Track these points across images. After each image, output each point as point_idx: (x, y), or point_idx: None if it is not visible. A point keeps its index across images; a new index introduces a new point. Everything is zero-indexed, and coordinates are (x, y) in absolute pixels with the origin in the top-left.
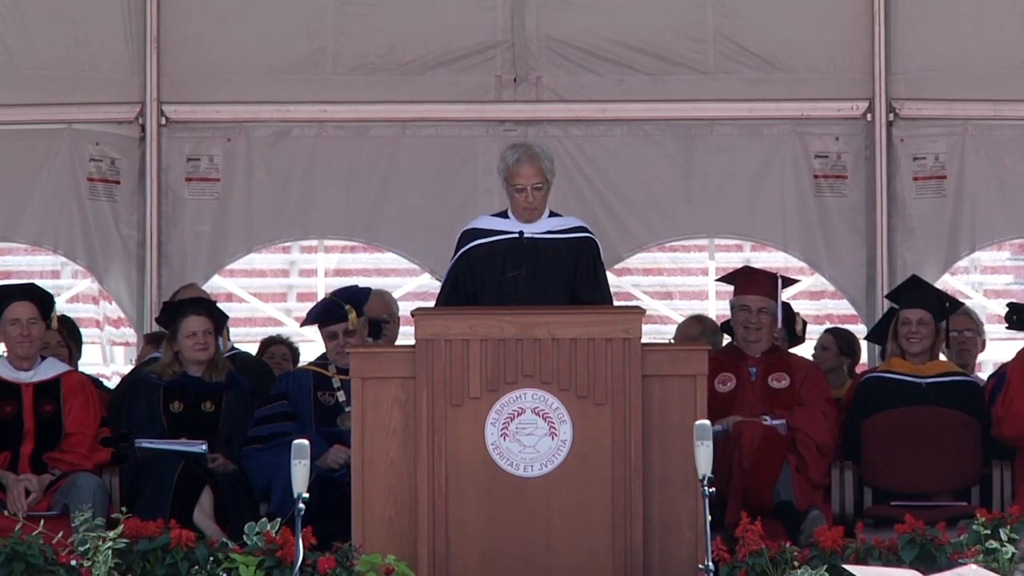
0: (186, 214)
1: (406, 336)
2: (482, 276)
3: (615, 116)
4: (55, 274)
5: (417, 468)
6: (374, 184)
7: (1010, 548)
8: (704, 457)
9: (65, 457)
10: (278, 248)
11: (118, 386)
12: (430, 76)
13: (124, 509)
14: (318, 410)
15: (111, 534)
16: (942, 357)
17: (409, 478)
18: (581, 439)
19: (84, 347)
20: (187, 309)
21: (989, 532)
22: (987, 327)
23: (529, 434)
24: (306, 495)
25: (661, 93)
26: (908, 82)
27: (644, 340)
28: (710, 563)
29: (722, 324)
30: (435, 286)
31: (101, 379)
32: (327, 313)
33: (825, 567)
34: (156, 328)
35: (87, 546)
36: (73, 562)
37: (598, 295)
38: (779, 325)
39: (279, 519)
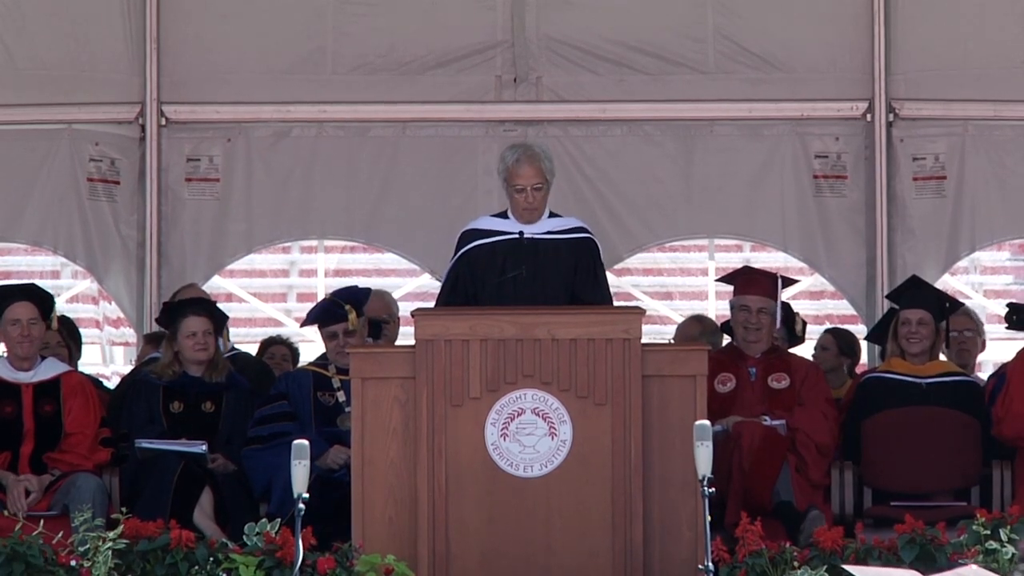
0: (186, 214)
1: (406, 336)
2: (482, 276)
3: (615, 116)
4: (55, 274)
5: (417, 468)
6: (374, 184)
7: (1010, 548)
8: (704, 457)
9: (65, 457)
10: (278, 248)
11: (118, 386)
12: (430, 76)
13: (124, 509)
14: (318, 410)
15: (111, 534)
16: (942, 357)
17: (409, 478)
18: (581, 439)
19: (84, 347)
20: (187, 309)
21: (989, 532)
22: (987, 327)
23: (529, 434)
24: (306, 495)
25: (661, 93)
26: (908, 82)
27: (644, 340)
28: (710, 563)
29: (722, 324)
30: (435, 286)
31: (101, 379)
32: (327, 313)
33: (825, 567)
34: (156, 328)
35: (87, 546)
36: (73, 562)
37: (598, 295)
38: (779, 325)
39: (279, 519)
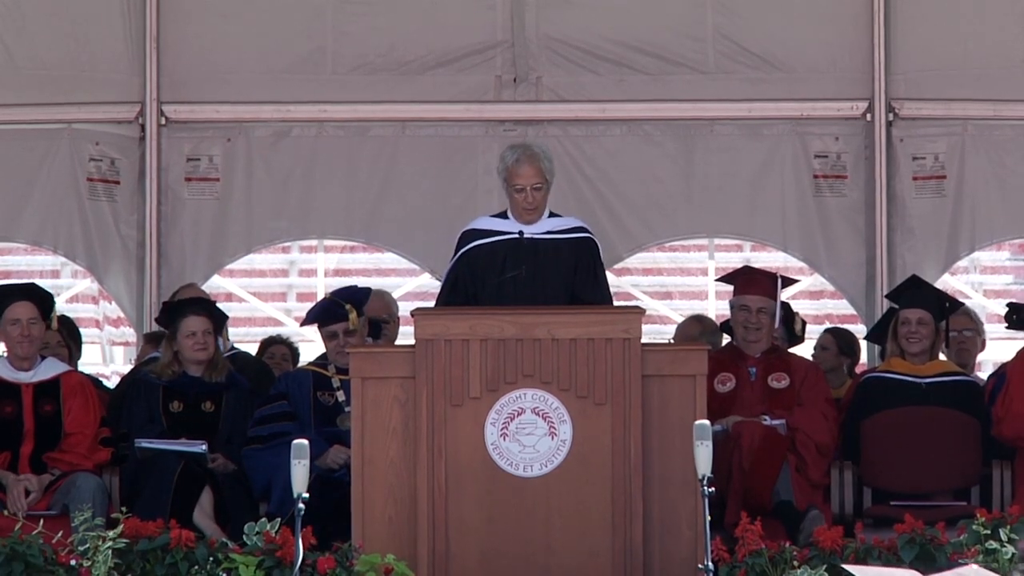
0: (186, 214)
1: (406, 336)
2: (482, 276)
3: (615, 116)
4: (55, 274)
5: (417, 468)
6: (374, 184)
7: (1010, 548)
8: (704, 457)
9: (65, 457)
10: (278, 248)
11: (118, 386)
12: (430, 76)
13: (124, 509)
14: (318, 410)
15: (111, 534)
16: (942, 357)
17: (409, 478)
18: (581, 439)
19: (84, 347)
20: (187, 309)
21: (989, 532)
22: (987, 327)
23: (529, 434)
24: (306, 495)
25: (661, 93)
26: (908, 82)
27: (644, 340)
28: (710, 563)
29: (722, 324)
30: (435, 286)
31: (101, 379)
32: (327, 313)
33: (824, 567)
34: (156, 328)
35: (87, 546)
36: (73, 562)
37: (598, 295)
38: (778, 325)
39: (279, 519)
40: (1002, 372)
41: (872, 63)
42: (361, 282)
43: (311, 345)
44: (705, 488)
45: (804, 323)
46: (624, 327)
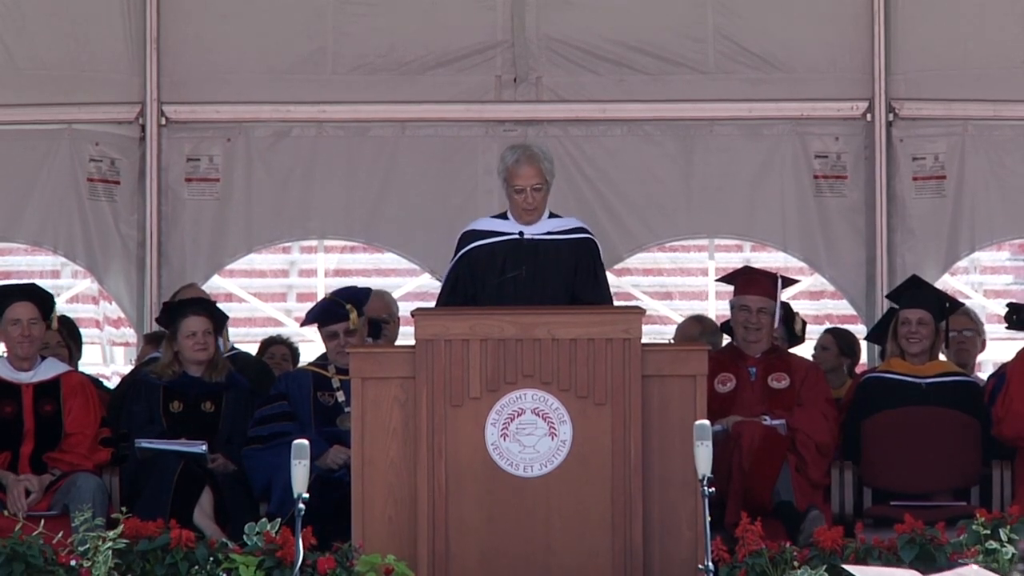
0: (186, 214)
1: (406, 336)
2: (482, 277)
3: (615, 116)
4: (55, 274)
5: (417, 468)
6: (374, 184)
7: (1010, 548)
8: (704, 457)
9: (65, 457)
10: (278, 248)
11: (118, 386)
12: (430, 76)
13: (124, 509)
14: (317, 410)
15: (111, 534)
16: (942, 357)
17: (409, 478)
18: (581, 439)
19: (84, 347)
20: (187, 309)
21: (989, 532)
22: (987, 327)
23: (529, 434)
24: (306, 495)
25: (661, 93)
26: (908, 82)
27: (644, 340)
28: (710, 563)
29: (722, 324)
30: (435, 286)
31: (101, 379)
32: (327, 313)
33: (825, 567)
34: (156, 328)
35: (87, 546)
36: (73, 562)
37: (598, 295)
38: (778, 325)
39: (279, 519)
40: (1002, 372)
41: (872, 63)
42: (361, 282)
43: (311, 345)
44: (705, 488)
45: (804, 323)
46: (624, 327)
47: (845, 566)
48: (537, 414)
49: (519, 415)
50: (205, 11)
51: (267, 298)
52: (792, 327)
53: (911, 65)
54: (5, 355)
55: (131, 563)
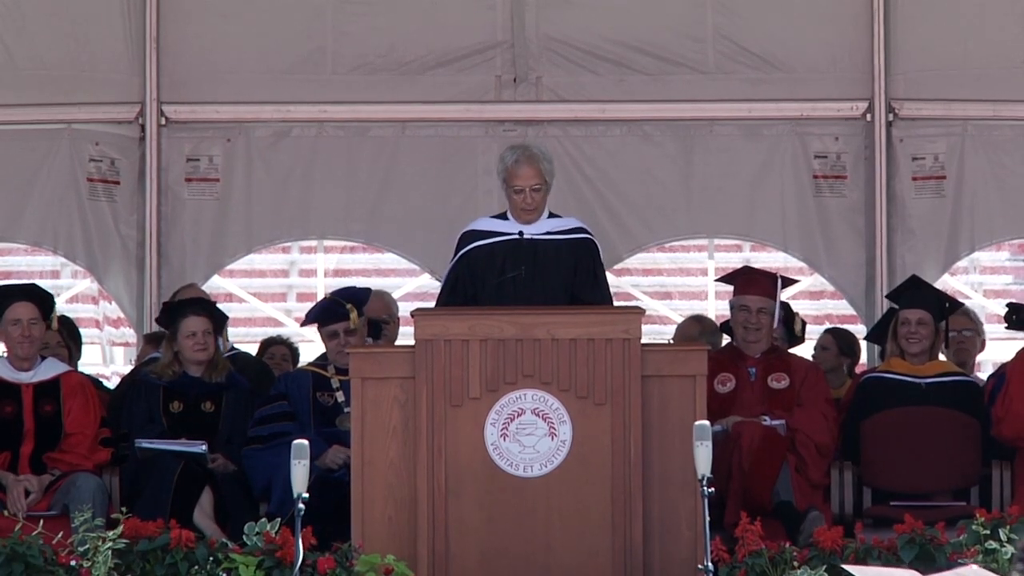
0: (186, 214)
1: (406, 336)
2: (482, 277)
3: (615, 116)
4: (55, 274)
5: (417, 468)
6: (374, 184)
7: (1009, 548)
8: (703, 457)
9: (65, 457)
10: (278, 248)
11: (118, 386)
12: (430, 76)
13: (124, 509)
14: (317, 411)
15: (111, 534)
16: (941, 357)
17: (409, 478)
18: (581, 439)
19: (84, 347)
20: (187, 309)
21: (988, 532)
22: (986, 327)
23: (529, 434)
24: (306, 495)
25: (661, 93)
26: (908, 82)
27: (643, 340)
28: (709, 563)
29: (721, 324)
30: (435, 286)
31: (101, 379)
32: (328, 312)
33: (824, 567)
34: (156, 328)
35: (87, 546)
36: (73, 562)
37: (597, 295)
38: (778, 325)
39: (279, 519)
40: (1002, 372)
41: (872, 63)
42: (361, 282)
43: (311, 345)
44: (705, 488)
45: (804, 323)
46: (624, 327)
47: (845, 566)
48: (537, 414)
49: (519, 415)
50: (205, 11)
51: (267, 298)
52: (792, 327)
53: (911, 65)
54: (5, 355)
55: (131, 563)
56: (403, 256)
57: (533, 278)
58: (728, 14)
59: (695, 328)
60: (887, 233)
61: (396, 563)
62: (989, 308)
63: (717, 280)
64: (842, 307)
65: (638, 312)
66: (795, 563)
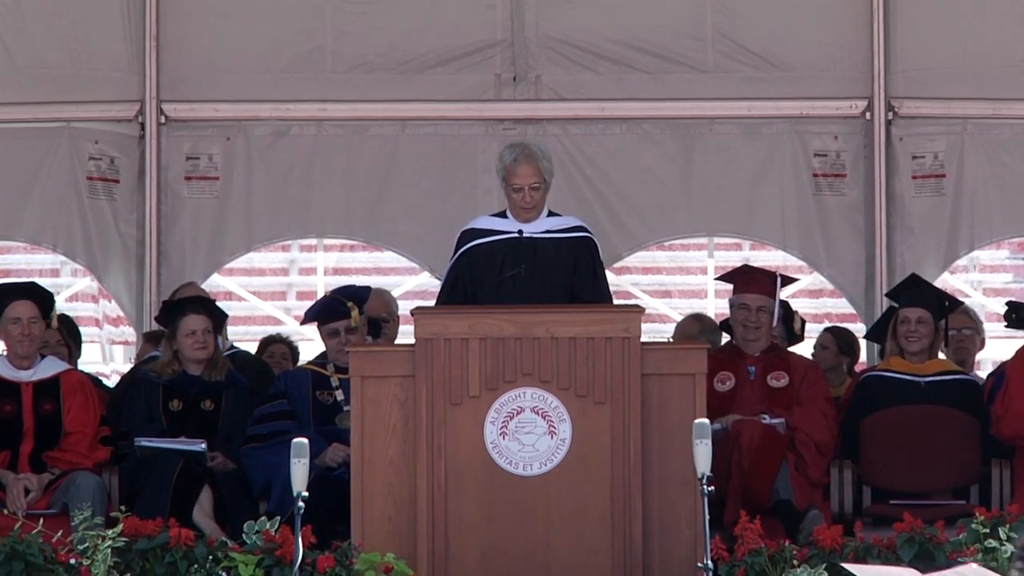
0: (185, 213)
1: (406, 335)
2: (481, 276)
3: (614, 115)
4: (54, 272)
5: (416, 467)
6: (373, 183)
7: (1009, 547)
8: (703, 456)
9: (64, 456)
10: (277, 247)
11: (117, 385)
12: (429, 75)
13: (123, 508)
14: (316, 409)
15: (110, 533)
16: (941, 356)
17: (408, 477)
18: (580, 438)
19: (83, 346)
20: (186, 308)
21: (988, 531)
22: (986, 325)
23: (528, 433)
24: (305, 494)
25: (660, 92)
26: (907, 81)
27: (643, 339)
28: (709, 562)
29: (721, 323)
30: (434, 285)
31: (100, 378)
32: (328, 311)
33: (824, 566)
34: (155, 327)
35: (86, 545)
36: (72, 561)
37: (597, 294)
38: (777, 324)
39: (278, 518)
40: (1001, 371)
41: (871, 62)
42: (360, 281)
43: (311, 344)
44: (704, 487)
45: (803, 322)
46: (623, 326)
47: (844, 565)
48: (536, 413)
49: (518, 413)
50: (204, 10)
51: (266, 296)
52: (791, 326)
53: (910, 64)
54: (5, 354)
55: (130, 562)
56: (403, 254)
57: (533, 277)
58: (728, 13)
59: (695, 327)
60: (887, 231)
61: (396, 561)
62: (989, 306)
63: (716, 279)
64: (841, 306)
65: (638, 311)
66: (795, 562)
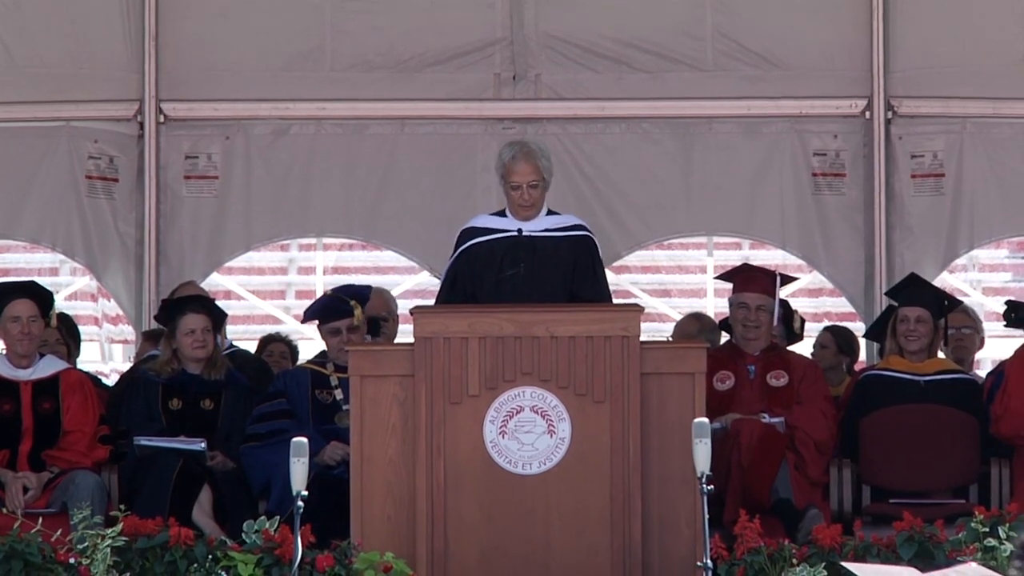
0: (185, 212)
1: (405, 334)
2: (481, 274)
3: (614, 114)
4: (54, 271)
5: (416, 466)
6: (372, 182)
7: (1008, 546)
8: (703, 455)
9: (64, 455)
10: (277, 246)
11: (117, 384)
12: (429, 74)
13: (123, 507)
14: (316, 408)
15: (110, 532)
16: (940, 355)
17: (408, 476)
18: (580, 437)
19: (83, 345)
20: (186, 307)
21: (987, 530)
22: (985, 325)
23: (528, 432)
24: (305, 493)
25: (660, 91)
26: (906, 80)
27: (642, 338)
28: (708, 561)
29: (720, 322)
30: (434, 284)
31: (100, 377)
32: (330, 309)
33: (823, 565)
34: (155, 326)
35: (86, 544)
36: (72, 560)
37: (597, 293)
38: (777, 323)
39: (278, 517)
40: (1000, 370)
41: (871, 61)
42: (360, 280)
43: (310, 343)
44: (704, 486)
45: (803, 321)
46: (623, 325)
47: (844, 564)
48: (536, 412)
49: (518, 413)
50: (203, 9)
51: (266, 295)
52: (791, 325)
53: (910, 63)
54: (4, 352)
55: (130, 561)
56: (402, 253)
57: (532, 275)
58: (727, 12)
59: (694, 326)
60: (886, 231)
61: (395, 561)
62: (988, 306)
63: (716, 278)
64: (841, 305)
65: (637, 310)
66: (794, 561)
